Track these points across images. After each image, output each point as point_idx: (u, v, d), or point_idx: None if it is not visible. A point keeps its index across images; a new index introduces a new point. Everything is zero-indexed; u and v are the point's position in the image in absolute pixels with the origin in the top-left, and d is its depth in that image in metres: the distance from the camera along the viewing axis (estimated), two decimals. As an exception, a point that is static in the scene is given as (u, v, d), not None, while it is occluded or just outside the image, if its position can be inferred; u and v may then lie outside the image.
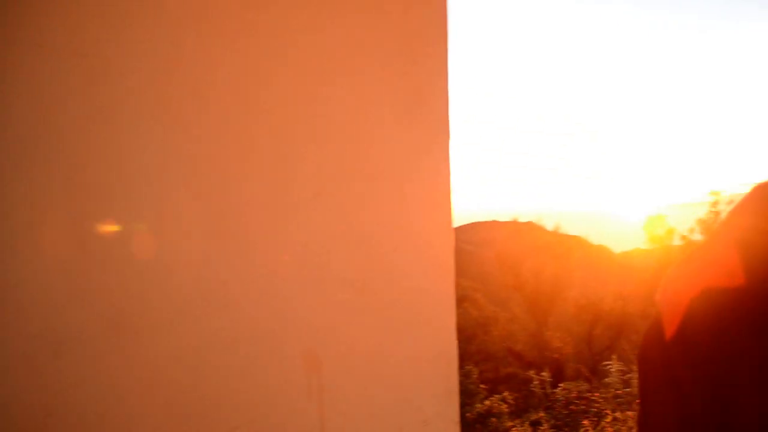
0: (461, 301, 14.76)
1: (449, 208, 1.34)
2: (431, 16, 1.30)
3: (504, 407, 8.67)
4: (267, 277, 1.21)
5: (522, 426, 8.31)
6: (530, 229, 18.82)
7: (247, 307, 1.20)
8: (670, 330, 0.67)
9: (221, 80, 1.16)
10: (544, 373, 10.08)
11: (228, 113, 1.17)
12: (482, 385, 9.97)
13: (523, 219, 20.00)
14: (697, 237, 18.97)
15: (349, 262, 1.25)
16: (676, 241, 19.22)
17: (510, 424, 8.36)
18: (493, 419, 8.42)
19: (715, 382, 0.62)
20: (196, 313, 1.16)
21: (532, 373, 10.49)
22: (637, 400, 0.76)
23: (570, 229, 20.00)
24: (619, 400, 8.62)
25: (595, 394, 8.87)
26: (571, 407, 8.62)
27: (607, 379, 9.60)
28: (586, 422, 7.85)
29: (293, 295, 1.22)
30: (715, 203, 18.96)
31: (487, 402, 8.79)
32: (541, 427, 8.22)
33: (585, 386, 9.70)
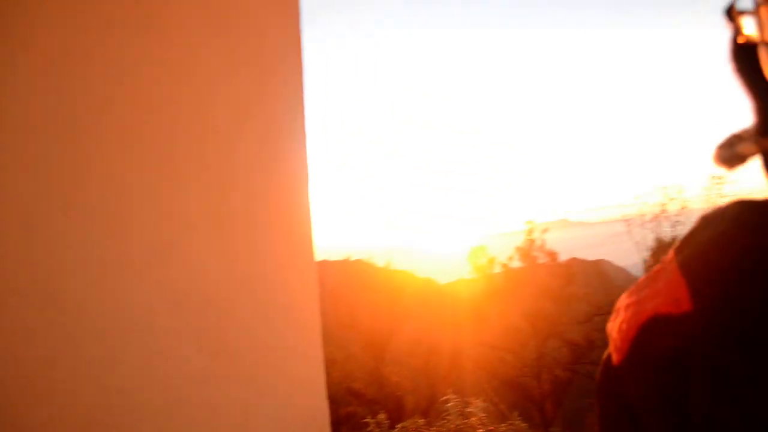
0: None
1: (312, 261, 1.24)
2: (286, 49, 1.22)
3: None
4: (101, 343, 1.03)
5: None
6: (362, 266, 18.91)
7: (75, 387, 1.00)
8: (619, 359, 0.66)
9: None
10: (380, 415, 9.97)
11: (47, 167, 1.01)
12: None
13: (354, 257, 20.10)
14: (516, 264, 20.27)
15: (203, 324, 1.11)
16: (497, 269, 20.41)
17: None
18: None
19: (666, 412, 0.60)
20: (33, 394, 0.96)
21: (368, 417, 10.29)
22: None
23: (399, 264, 20.41)
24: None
25: (431, 429, 8.91)
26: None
27: (445, 413, 9.69)
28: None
29: (138, 364, 1.04)
30: (530, 231, 20.47)
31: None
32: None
33: (422, 422, 9.71)
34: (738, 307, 0.52)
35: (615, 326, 0.68)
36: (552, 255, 19.76)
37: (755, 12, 0.53)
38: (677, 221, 18.10)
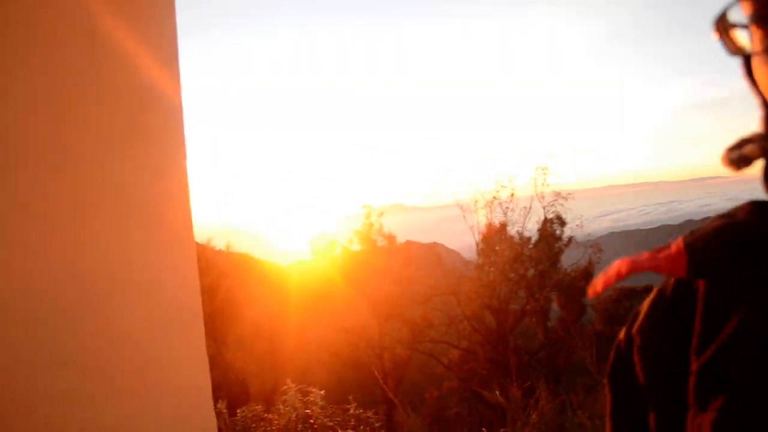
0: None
1: (194, 259, 1.18)
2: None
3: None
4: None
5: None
6: (201, 249, 18.21)
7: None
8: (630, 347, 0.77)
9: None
10: (219, 403, 9.70)
11: None
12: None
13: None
14: (356, 247, 20.61)
15: (64, 335, 0.96)
16: (338, 252, 20.63)
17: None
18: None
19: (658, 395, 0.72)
20: None
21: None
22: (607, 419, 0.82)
23: (240, 247, 19.93)
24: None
25: (273, 415, 8.83)
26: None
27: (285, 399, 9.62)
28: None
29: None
30: (367, 215, 20.87)
31: None
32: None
33: (260, 408, 9.57)
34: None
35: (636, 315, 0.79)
36: (390, 238, 20.34)
37: (746, 26, 0.59)
38: (508, 207, 19.43)
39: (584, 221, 19.72)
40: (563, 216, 19.30)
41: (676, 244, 0.71)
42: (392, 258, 19.02)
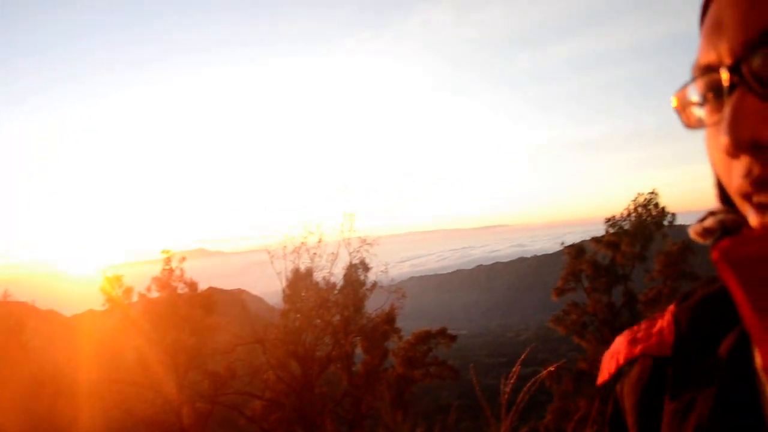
0: None
1: None
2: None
3: None
4: None
5: None
6: (-30, 298, 16.07)
7: None
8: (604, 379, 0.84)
9: None
10: None
11: None
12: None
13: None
14: (155, 294, 19.39)
15: None
16: (135, 299, 19.25)
17: None
18: None
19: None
20: None
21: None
22: None
23: (19, 294, 17.90)
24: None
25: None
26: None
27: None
28: None
29: None
30: (167, 260, 19.80)
31: None
32: None
33: None
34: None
35: (611, 355, 0.84)
36: (192, 285, 19.43)
37: (701, 103, 0.67)
38: (315, 253, 19.53)
39: (387, 266, 20.41)
40: (368, 261, 19.84)
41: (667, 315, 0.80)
42: (194, 305, 18.16)
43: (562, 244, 21.78)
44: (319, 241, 19.35)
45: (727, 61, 0.61)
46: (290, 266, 19.27)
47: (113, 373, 15.37)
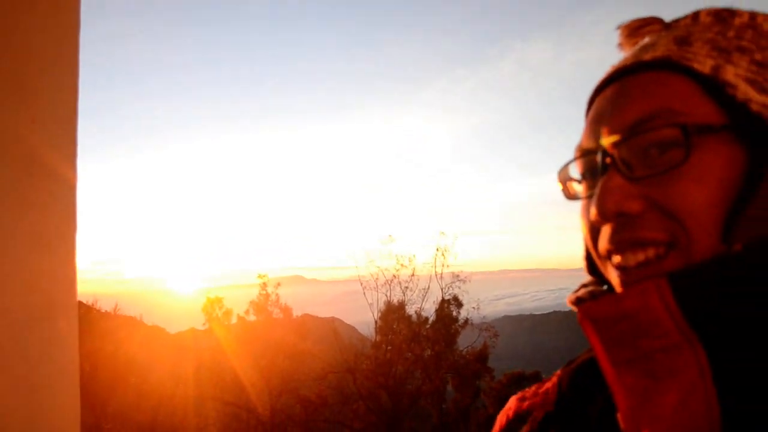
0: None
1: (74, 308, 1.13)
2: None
3: None
4: None
5: None
6: (86, 311, 17.13)
7: None
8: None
9: None
10: None
11: None
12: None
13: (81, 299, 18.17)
14: (252, 317, 20.02)
15: None
16: (234, 321, 19.94)
17: None
18: None
19: None
20: None
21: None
22: None
23: (128, 309, 18.95)
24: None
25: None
26: None
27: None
28: None
29: None
30: (264, 285, 20.43)
31: None
32: None
33: None
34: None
35: (503, 411, 0.93)
36: (287, 311, 19.93)
37: (579, 180, 0.80)
38: (407, 287, 19.61)
39: (480, 303, 20.17)
40: (460, 297, 19.68)
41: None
42: (288, 331, 18.60)
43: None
44: (412, 275, 19.41)
45: (602, 146, 0.73)
46: (382, 298, 19.40)
47: (211, 391, 15.92)
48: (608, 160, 0.71)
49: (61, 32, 1.13)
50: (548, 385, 0.88)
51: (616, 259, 0.73)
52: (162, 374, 16.03)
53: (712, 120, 0.68)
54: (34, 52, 1.08)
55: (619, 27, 0.87)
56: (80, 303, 18.33)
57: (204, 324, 19.82)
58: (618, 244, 0.71)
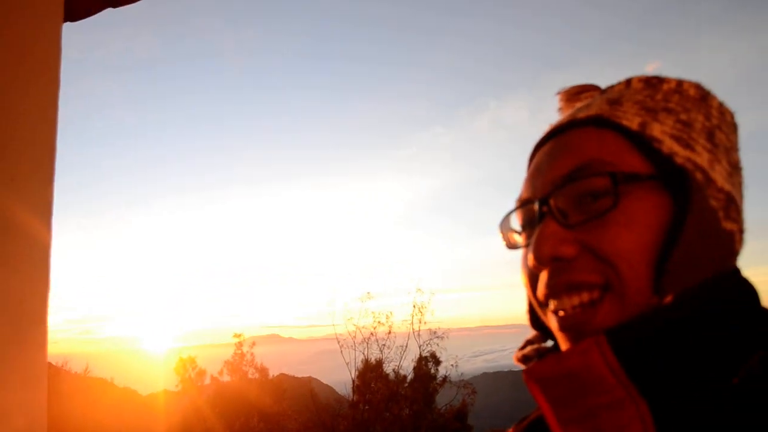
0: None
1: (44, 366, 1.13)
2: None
3: None
4: None
5: None
6: (55, 372, 16.67)
7: None
8: None
9: None
10: None
11: None
12: None
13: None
14: (226, 378, 19.58)
15: None
16: (207, 381, 19.48)
17: None
18: None
19: None
20: None
21: None
22: None
23: (100, 370, 18.50)
24: None
25: None
26: None
27: None
28: None
29: None
30: (239, 345, 20.07)
31: None
32: None
33: None
34: None
35: None
36: (262, 370, 19.55)
37: (519, 230, 0.86)
38: (384, 344, 19.38)
39: (458, 360, 19.96)
40: (438, 355, 19.48)
41: None
42: (264, 391, 18.20)
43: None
44: (389, 332, 19.25)
45: (539, 196, 0.78)
46: (360, 356, 19.16)
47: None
48: (545, 209, 0.76)
49: (42, 91, 1.17)
50: None
51: (553, 304, 0.76)
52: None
53: (639, 170, 0.73)
54: (15, 110, 1.12)
55: (558, 93, 0.94)
56: (50, 365, 17.83)
57: (177, 385, 19.36)
58: (553, 288, 0.75)
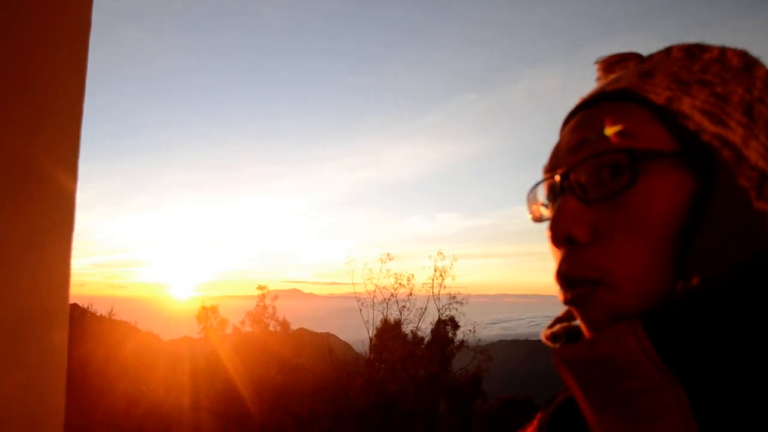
0: None
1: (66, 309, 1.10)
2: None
3: None
4: None
5: None
6: (80, 314, 17.09)
7: None
8: None
9: None
10: None
11: None
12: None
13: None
14: (248, 329, 19.94)
15: None
16: (229, 331, 19.87)
17: None
18: None
19: None
20: None
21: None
22: None
23: (124, 314, 18.91)
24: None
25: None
26: None
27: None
28: None
29: None
30: (262, 297, 20.39)
31: None
32: None
33: None
34: None
35: None
36: (283, 324, 19.85)
37: (545, 203, 0.83)
38: (404, 306, 19.56)
39: (476, 326, 20.10)
40: (457, 319, 19.62)
41: None
42: (283, 344, 18.51)
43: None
44: (410, 294, 19.36)
45: (561, 169, 0.76)
46: (379, 316, 19.33)
47: (202, 401, 15.82)
48: (565, 183, 0.75)
49: (71, 41, 1.14)
50: (530, 429, 0.88)
51: (561, 293, 0.75)
52: (153, 382, 15.95)
53: (661, 146, 0.71)
54: (42, 61, 1.09)
55: (596, 61, 0.90)
56: (75, 306, 18.31)
57: (199, 333, 19.77)
58: (559, 279, 0.74)
